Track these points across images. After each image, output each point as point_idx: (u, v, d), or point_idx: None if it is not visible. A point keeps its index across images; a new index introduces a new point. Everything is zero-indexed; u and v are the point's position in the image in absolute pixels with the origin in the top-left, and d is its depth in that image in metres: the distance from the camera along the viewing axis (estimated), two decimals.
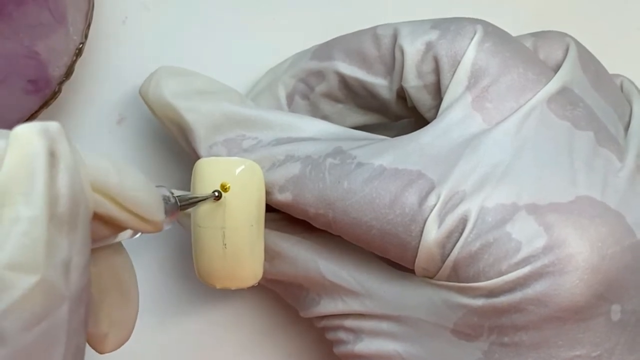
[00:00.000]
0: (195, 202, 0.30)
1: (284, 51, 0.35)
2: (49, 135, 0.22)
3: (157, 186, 0.28)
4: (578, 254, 0.28)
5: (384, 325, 0.31)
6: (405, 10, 0.38)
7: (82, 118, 0.36)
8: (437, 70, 0.31)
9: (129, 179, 0.25)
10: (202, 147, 0.32)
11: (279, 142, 0.31)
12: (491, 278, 0.28)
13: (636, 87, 0.33)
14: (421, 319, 0.30)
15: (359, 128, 0.34)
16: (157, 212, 0.27)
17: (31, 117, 0.33)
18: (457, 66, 0.30)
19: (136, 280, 0.29)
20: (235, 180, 0.31)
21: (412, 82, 0.31)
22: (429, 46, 0.31)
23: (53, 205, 0.22)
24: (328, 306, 0.32)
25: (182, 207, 0.29)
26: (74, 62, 0.33)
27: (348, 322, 0.32)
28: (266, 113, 0.32)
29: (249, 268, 0.31)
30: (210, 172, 0.31)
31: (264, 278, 0.32)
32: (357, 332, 0.32)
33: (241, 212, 0.31)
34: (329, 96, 0.33)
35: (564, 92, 0.30)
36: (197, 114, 0.32)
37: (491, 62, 0.30)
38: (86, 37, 0.33)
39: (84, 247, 0.23)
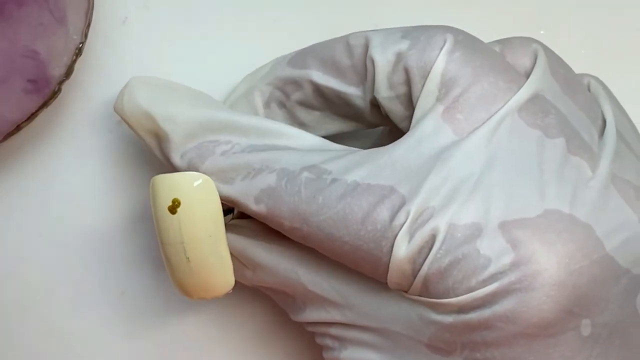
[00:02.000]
0: None
1: (283, 52, 0.35)
2: None
3: None
4: (545, 271, 0.27)
5: (365, 336, 0.31)
6: (405, 10, 0.38)
7: (82, 118, 0.36)
8: (408, 81, 0.30)
9: None
10: (175, 155, 0.32)
11: (254, 148, 0.31)
12: (460, 294, 0.28)
13: (603, 87, 0.33)
14: (399, 332, 0.30)
15: (336, 135, 0.34)
16: None
17: (31, 117, 0.33)
18: (427, 77, 0.30)
19: None
20: (186, 194, 0.31)
21: (384, 92, 0.31)
22: (399, 57, 0.30)
23: None
24: (313, 314, 0.32)
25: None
26: (74, 62, 0.33)
27: (333, 330, 0.32)
28: (242, 118, 0.32)
29: (217, 278, 0.31)
30: (162, 189, 0.31)
31: (252, 284, 0.33)
32: (341, 341, 0.32)
33: (196, 225, 0.31)
34: (305, 104, 0.33)
35: (535, 99, 0.30)
36: (173, 123, 0.32)
37: (461, 72, 0.30)
38: (86, 36, 0.33)
39: None
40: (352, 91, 0.32)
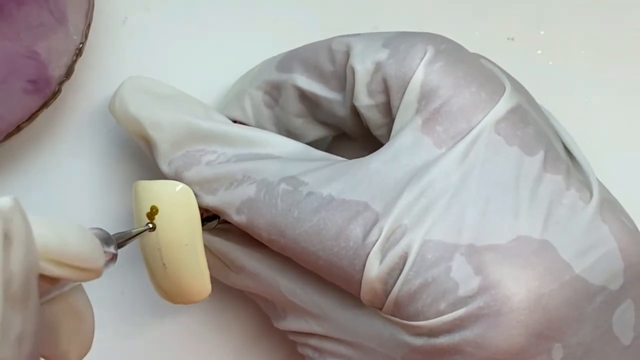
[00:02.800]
0: (132, 237, 0.31)
1: (283, 52, 0.35)
2: (2, 216, 0.22)
3: (93, 229, 0.28)
4: (514, 295, 0.27)
5: (342, 349, 0.31)
6: (404, 11, 0.37)
7: (82, 118, 0.36)
8: (386, 90, 0.30)
9: (69, 237, 0.25)
10: (162, 163, 0.32)
11: (239, 158, 0.31)
12: (430, 318, 0.28)
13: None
14: (374, 349, 0.30)
15: (323, 140, 0.34)
16: (98, 260, 0.27)
17: (31, 117, 0.33)
18: (406, 87, 0.30)
19: (87, 298, 0.29)
20: (165, 203, 0.31)
21: (363, 101, 0.31)
22: (378, 66, 0.30)
23: (7, 286, 0.22)
24: (293, 323, 0.32)
25: (119, 245, 0.29)
26: (74, 62, 0.33)
27: (313, 341, 0.32)
28: (228, 128, 0.32)
29: (193, 285, 0.32)
30: (143, 195, 0.31)
31: (238, 287, 0.33)
32: (321, 352, 0.32)
33: (172, 233, 0.31)
34: (291, 110, 0.33)
35: (516, 109, 0.30)
36: (160, 131, 0.32)
37: (442, 83, 0.29)
38: (86, 37, 0.33)
39: (35, 315, 0.23)
40: (333, 97, 0.32)
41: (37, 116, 0.33)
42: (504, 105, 0.29)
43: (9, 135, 0.33)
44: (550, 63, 0.38)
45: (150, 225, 0.31)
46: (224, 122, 0.32)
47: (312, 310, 0.31)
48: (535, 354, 0.28)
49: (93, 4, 0.33)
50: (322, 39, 0.34)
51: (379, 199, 0.29)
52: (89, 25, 0.33)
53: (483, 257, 0.28)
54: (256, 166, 0.31)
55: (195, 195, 0.31)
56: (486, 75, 0.30)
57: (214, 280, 0.33)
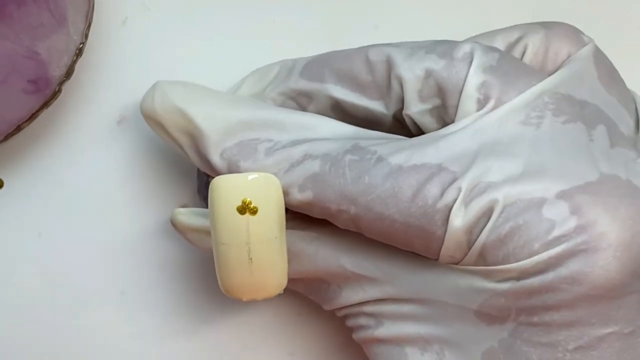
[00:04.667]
0: None
1: (283, 52, 0.35)
2: None
3: None
4: (610, 232, 0.28)
5: (405, 308, 0.31)
6: (404, 11, 0.37)
7: (82, 118, 0.36)
8: (440, 94, 0.31)
9: None
10: (213, 153, 0.31)
11: (294, 143, 0.31)
12: (522, 259, 0.28)
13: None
14: (444, 301, 0.30)
15: None
16: None
17: (31, 117, 0.33)
18: (462, 90, 0.30)
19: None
20: (255, 195, 0.30)
21: (416, 107, 0.31)
22: (428, 72, 0.31)
23: None
24: (349, 296, 0.32)
25: None
26: (74, 62, 0.33)
27: (368, 308, 0.32)
28: (280, 114, 0.32)
29: (276, 278, 0.31)
30: (228, 189, 0.30)
31: None
32: (377, 317, 0.32)
33: (265, 225, 0.30)
34: (321, 114, 0.33)
35: (567, 97, 0.30)
36: (210, 119, 0.31)
37: (495, 80, 0.30)
38: (86, 37, 0.33)
39: None
40: (373, 105, 0.32)
41: (37, 116, 0.33)
42: (553, 79, 0.30)
43: (9, 135, 0.33)
44: None
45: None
46: (274, 108, 0.32)
47: (375, 276, 0.31)
48: (628, 292, 0.28)
49: (93, 5, 0.33)
50: (322, 39, 0.34)
51: (452, 161, 0.29)
52: (89, 25, 0.33)
53: (576, 197, 0.28)
54: (315, 145, 0.31)
55: None
56: (530, 69, 0.31)
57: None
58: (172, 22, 0.36)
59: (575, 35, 0.33)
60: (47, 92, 0.33)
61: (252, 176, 0.31)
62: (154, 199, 0.36)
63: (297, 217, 0.32)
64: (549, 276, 0.28)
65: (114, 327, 0.37)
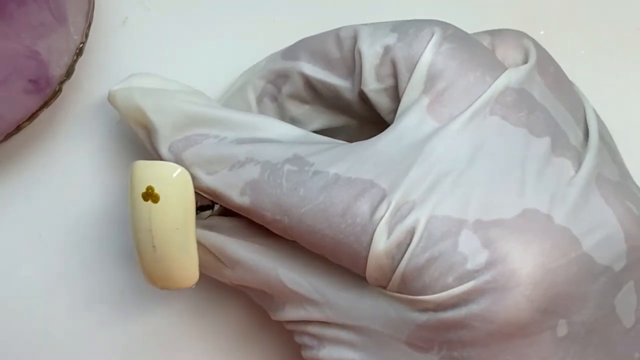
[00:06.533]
0: None
1: None
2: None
3: None
4: (520, 269, 0.27)
5: (343, 334, 0.31)
6: (404, 12, 0.38)
7: (82, 118, 0.36)
8: (395, 74, 0.30)
9: None
10: (162, 146, 0.32)
11: (241, 141, 0.31)
12: (437, 292, 0.28)
13: (578, 89, 0.33)
14: (377, 330, 0.30)
15: (325, 130, 0.34)
16: None
17: (32, 117, 0.33)
18: (414, 70, 0.30)
19: None
20: (161, 183, 0.31)
21: (371, 85, 0.31)
22: (387, 49, 0.30)
23: None
24: (292, 313, 0.32)
25: None
26: (74, 62, 0.33)
27: (311, 329, 0.32)
28: (229, 113, 0.32)
29: (181, 270, 0.32)
30: (140, 175, 0.31)
31: (232, 283, 0.33)
32: (320, 339, 0.32)
33: (165, 215, 0.31)
34: (295, 97, 0.33)
35: (521, 93, 0.30)
36: (161, 115, 0.32)
37: (448, 66, 0.30)
38: (87, 36, 0.33)
39: None
40: (340, 83, 0.32)
41: (37, 116, 0.33)
42: (501, 82, 0.30)
43: (10, 135, 0.33)
44: None
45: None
46: (226, 108, 0.33)
47: (312, 297, 0.31)
48: (541, 329, 0.28)
49: (93, 4, 0.33)
50: None
51: (385, 176, 0.29)
52: (90, 25, 0.33)
53: (490, 231, 0.28)
54: (259, 148, 0.31)
55: (195, 177, 0.31)
56: (492, 60, 0.30)
57: (211, 278, 0.33)
58: (172, 22, 0.36)
59: (519, 41, 0.32)
60: (47, 91, 0.33)
61: (161, 164, 0.31)
62: None
63: (241, 226, 0.32)
64: (462, 311, 0.28)
65: (114, 327, 0.37)
